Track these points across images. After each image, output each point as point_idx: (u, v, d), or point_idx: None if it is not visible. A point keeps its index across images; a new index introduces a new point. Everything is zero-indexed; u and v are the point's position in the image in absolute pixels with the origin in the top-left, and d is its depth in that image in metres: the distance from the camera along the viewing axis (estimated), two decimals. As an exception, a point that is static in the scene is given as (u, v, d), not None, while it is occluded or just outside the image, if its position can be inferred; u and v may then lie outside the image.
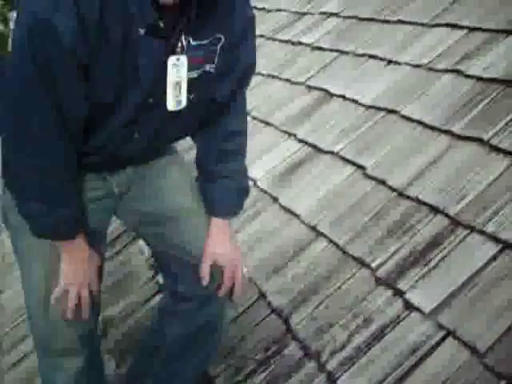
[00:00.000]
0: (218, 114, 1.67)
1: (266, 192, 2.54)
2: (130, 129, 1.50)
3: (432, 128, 2.33)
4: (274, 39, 3.85)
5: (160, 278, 2.45)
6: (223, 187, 1.72)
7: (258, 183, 2.63)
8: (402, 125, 2.45)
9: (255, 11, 4.24)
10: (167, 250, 1.74)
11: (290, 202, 2.42)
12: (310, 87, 3.09)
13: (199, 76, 1.50)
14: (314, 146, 2.64)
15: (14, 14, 1.37)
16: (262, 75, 3.42)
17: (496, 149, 2.07)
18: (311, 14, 3.86)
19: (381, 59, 2.94)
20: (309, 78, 3.15)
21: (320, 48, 3.40)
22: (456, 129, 2.24)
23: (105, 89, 1.39)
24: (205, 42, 1.47)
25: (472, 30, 2.73)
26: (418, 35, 2.95)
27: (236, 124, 1.74)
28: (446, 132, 2.26)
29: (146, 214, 1.71)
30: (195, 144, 1.78)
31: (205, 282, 1.67)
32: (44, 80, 1.32)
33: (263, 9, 4.39)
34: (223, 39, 1.49)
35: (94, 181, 1.61)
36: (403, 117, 2.47)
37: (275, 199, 2.49)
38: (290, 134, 2.82)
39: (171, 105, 1.48)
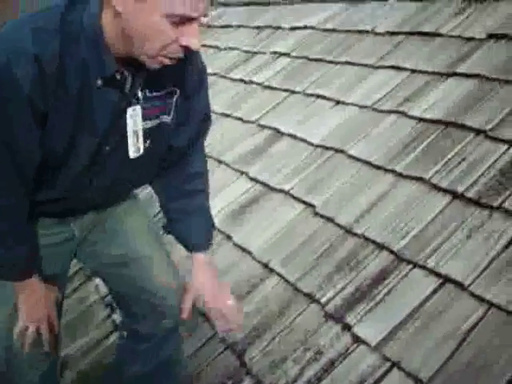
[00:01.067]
0: (176, 159, 1.73)
1: (219, 230, 2.61)
2: (88, 176, 1.54)
3: (377, 167, 2.45)
4: (226, 77, 3.94)
5: (117, 317, 2.48)
6: (194, 222, 1.79)
7: (212, 220, 2.69)
8: (348, 164, 2.56)
9: (208, 49, 4.39)
10: (128, 290, 1.78)
11: (243, 240, 2.49)
12: (261, 126, 3.19)
13: (156, 126, 1.55)
14: (266, 185, 2.72)
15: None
16: (215, 113, 3.49)
17: (436, 187, 2.20)
18: (262, 53, 3.98)
19: (329, 99, 3.06)
20: (260, 117, 3.25)
21: (271, 87, 3.50)
22: (399, 168, 2.36)
23: (59, 137, 1.41)
24: (160, 93, 1.52)
25: (414, 72, 2.88)
26: (364, 76, 3.08)
27: (196, 166, 1.80)
28: (390, 171, 2.38)
29: (107, 257, 1.75)
30: (156, 191, 1.83)
31: (185, 315, 1.73)
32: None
33: (216, 47, 4.49)
34: (178, 92, 1.56)
35: (55, 225, 1.66)
36: (350, 156, 2.58)
37: (229, 237, 2.55)
38: (242, 173, 2.90)
39: (132, 152, 1.53)
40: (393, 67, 3.00)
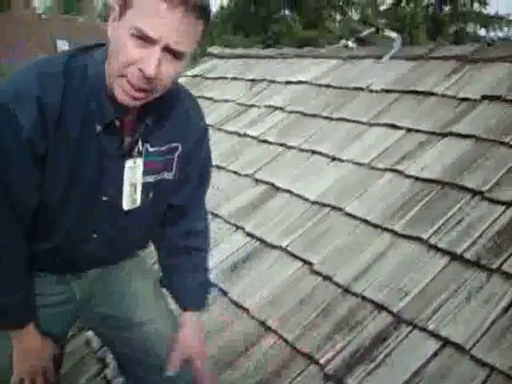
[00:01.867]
0: (177, 215, 1.73)
1: (215, 285, 2.59)
2: (87, 227, 1.54)
3: (374, 226, 2.46)
4: (221, 130, 3.97)
5: (109, 373, 2.44)
6: (189, 281, 1.78)
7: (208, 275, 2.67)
8: (345, 222, 2.57)
9: (203, 101, 4.43)
10: (133, 353, 1.75)
11: (239, 296, 2.47)
12: (257, 180, 3.20)
13: (157, 181, 1.57)
14: (262, 240, 2.72)
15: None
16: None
17: (435, 248, 2.21)
18: (257, 106, 4.02)
19: (325, 155, 3.09)
20: (256, 171, 3.26)
21: (266, 141, 3.53)
22: (397, 227, 2.37)
23: (56, 181, 1.41)
24: (162, 149, 1.55)
25: (409, 130, 2.93)
26: (359, 133, 3.12)
27: (196, 223, 1.81)
28: (388, 230, 2.40)
29: (110, 319, 1.73)
30: (155, 245, 1.83)
31: (172, 370, 1.70)
32: None
33: (210, 99, 4.53)
34: (180, 148, 1.58)
35: (56, 285, 1.64)
36: (347, 214, 2.60)
37: (225, 293, 2.53)
38: (237, 227, 2.89)
39: (126, 204, 1.53)
40: (388, 125, 3.05)
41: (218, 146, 3.75)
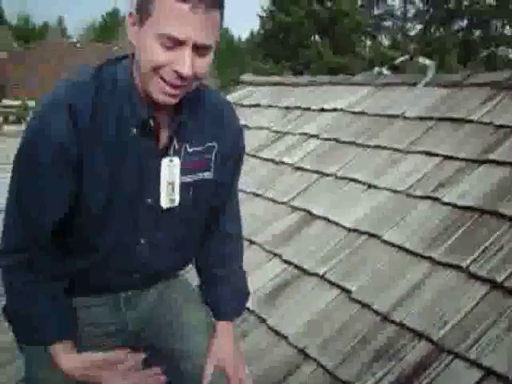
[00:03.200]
0: (215, 215, 1.75)
1: (253, 312, 2.61)
2: (134, 233, 1.56)
3: (412, 253, 2.46)
4: (257, 157, 4.01)
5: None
6: (225, 290, 1.78)
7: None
8: (383, 249, 2.57)
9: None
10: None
11: (277, 324, 2.48)
12: (293, 207, 3.22)
13: (197, 181, 1.60)
14: (300, 268, 2.73)
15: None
16: (246, 193, 3.55)
17: (474, 276, 2.20)
18: (292, 134, 4.06)
19: (361, 183, 3.10)
20: (292, 198, 3.29)
21: (302, 168, 3.56)
22: (435, 255, 2.37)
23: (98, 187, 1.45)
24: (200, 148, 1.58)
25: (446, 158, 2.93)
26: (395, 161, 3.13)
27: (232, 227, 1.83)
28: (426, 258, 2.39)
29: (162, 351, 1.73)
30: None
31: (206, 381, 1.66)
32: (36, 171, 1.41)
33: (245, 126, 4.58)
34: (216, 147, 1.62)
35: (110, 313, 1.66)
36: (384, 241, 2.60)
37: (263, 320, 2.55)
38: (275, 255, 2.91)
39: (164, 202, 1.55)
40: (424, 152, 3.05)
41: (254, 173, 3.79)
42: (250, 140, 4.29)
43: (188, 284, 1.90)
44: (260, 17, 28.84)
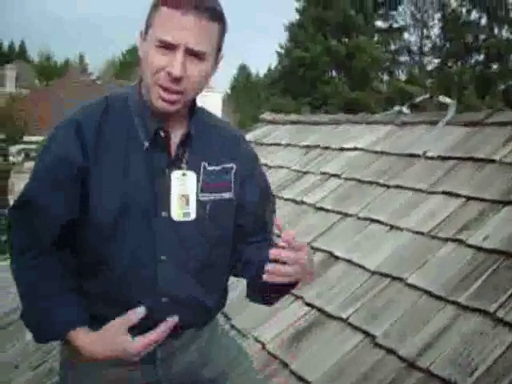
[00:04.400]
0: (242, 237, 1.68)
1: (275, 356, 2.57)
2: (153, 250, 1.52)
3: (437, 297, 2.42)
4: (277, 196, 4.00)
5: None
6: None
7: (268, 346, 2.66)
8: (407, 293, 2.54)
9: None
10: None
11: (300, 368, 2.44)
12: (315, 248, 3.20)
13: (217, 200, 1.59)
14: (322, 311, 2.70)
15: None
16: (267, 233, 3.53)
17: (501, 321, 2.16)
18: (312, 173, 4.06)
19: (383, 224, 3.08)
20: (313, 239, 3.27)
21: (323, 209, 3.54)
22: (461, 299, 2.33)
23: (108, 199, 1.48)
24: (218, 168, 1.61)
25: (469, 199, 2.90)
26: (417, 201, 3.11)
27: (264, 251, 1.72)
28: (452, 302, 2.35)
29: None
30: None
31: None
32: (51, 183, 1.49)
33: (265, 165, 4.59)
34: (234, 168, 1.63)
35: (143, 365, 1.58)
36: (408, 285, 2.57)
37: (286, 364, 2.51)
38: (297, 297, 2.88)
39: (176, 215, 1.53)
40: (447, 193, 3.03)
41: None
42: (270, 179, 4.28)
43: (233, 341, 1.86)
44: (278, 53, 29.15)
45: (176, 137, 1.56)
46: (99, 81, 34.47)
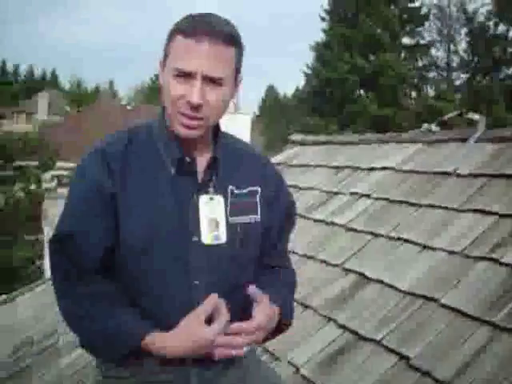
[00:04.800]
0: (263, 260, 1.71)
1: (309, 380, 2.56)
2: (187, 274, 1.53)
3: (472, 318, 2.38)
4: (307, 218, 4.00)
5: None
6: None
7: (302, 370, 2.64)
8: (441, 313, 2.50)
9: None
10: None
11: (335, 392, 2.43)
12: (346, 270, 3.18)
13: (245, 223, 1.61)
14: (356, 333, 2.68)
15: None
16: (298, 255, 3.53)
17: (539, 341, 2.12)
18: (342, 194, 4.05)
19: (415, 243, 3.05)
20: (345, 261, 3.25)
21: (353, 229, 3.53)
22: (496, 319, 2.29)
23: (136, 224, 1.51)
24: (244, 191, 1.63)
25: (502, 216, 2.86)
26: (449, 220, 3.08)
27: (286, 275, 1.80)
28: (487, 322, 2.32)
29: None
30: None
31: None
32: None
33: (295, 186, 4.59)
34: (259, 192, 1.65)
35: None
36: (442, 305, 2.53)
37: (320, 388, 2.49)
38: (329, 319, 2.87)
39: (207, 238, 1.55)
40: (479, 211, 3.00)
41: (306, 235, 3.77)
42: (300, 200, 4.29)
43: (272, 371, 1.86)
44: (305, 74, 29.26)
45: (202, 162, 1.59)
46: (129, 106, 34.92)
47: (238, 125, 13.93)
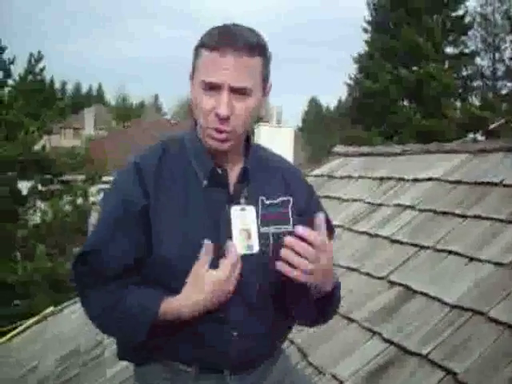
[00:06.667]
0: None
1: (353, 393, 2.53)
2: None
3: (522, 332, 2.32)
4: (351, 230, 3.97)
5: None
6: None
7: (345, 384, 2.61)
8: (490, 327, 2.44)
9: (330, 201, 4.44)
10: None
11: (380, 408, 2.38)
12: (391, 282, 3.14)
13: (277, 234, 1.59)
14: (401, 347, 2.63)
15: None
16: (341, 267, 3.50)
17: None
18: (386, 205, 4.00)
19: (462, 255, 2.99)
20: (390, 273, 3.21)
21: (398, 241, 3.48)
22: (548, 334, 2.23)
23: (170, 235, 1.52)
24: (276, 201, 1.63)
25: (551, 227, 2.79)
26: (497, 231, 3.01)
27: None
28: (538, 337, 2.25)
29: None
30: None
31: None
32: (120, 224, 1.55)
33: (338, 198, 4.57)
34: (291, 201, 1.65)
35: None
36: (491, 319, 2.47)
37: (364, 403, 2.46)
38: (374, 333, 2.83)
39: (240, 248, 1.54)
40: (527, 222, 2.93)
41: (349, 247, 3.75)
42: (344, 212, 4.27)
43: (306, 378, 1.87)
44: (348, 85, 29.13)
45: (233, 173, 1.61)
46: (174, 120, 35.32)
47: (281, 138, 13.96)
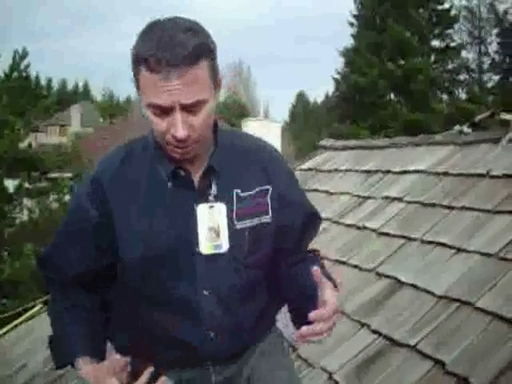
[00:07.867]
0: (286, 269, 1.66)
1: (342, 386, 2.53)
2: (194, 286, 1.53)
3: (509, 321, 2.33)
4: (339, 223, 3.97)
5: None
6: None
7: (335, 376, 2.61)
8: (477, 317, 2.46)
9: (318, 194, 4.44)
10: None
11: (369, 399, 2.39)
12: (379, 274, 3.15)
13: (255, 226, 1.56)
14: (390, 338, 2.64)
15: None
16: (330, 260, 3.50)
17: None
18: (374, 198, 4.01)
19: (449, 247, 3.00)
20: (378, 265, 3.22)
21: (386, 234, 3.49)
22: (535, 323, 2.24)
23: (135, 238, 1.52)
24: (252, 192, 1.57)
25: (537, 217, 2.81)
26: (483, 222, 3.03)
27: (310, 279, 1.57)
28: (525, 326, 2.27)
29: None
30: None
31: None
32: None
33: (326, 192, 4.57)
34: (270, 190, 1.59)
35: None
36: (478, 309, 2.48)
37: (354, 395, 2.46)
38: (363, 325, 2.83)
39: (205, 248, 1.52)
40: (513, 212, 2.94)
41: (337, 240, 3.75)
42: (332, 206, 4.27)
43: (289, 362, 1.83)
44: (335, 79, 29.17)
45: (200, 171, 1.55)
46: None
47: (268, 133, 13.95)
